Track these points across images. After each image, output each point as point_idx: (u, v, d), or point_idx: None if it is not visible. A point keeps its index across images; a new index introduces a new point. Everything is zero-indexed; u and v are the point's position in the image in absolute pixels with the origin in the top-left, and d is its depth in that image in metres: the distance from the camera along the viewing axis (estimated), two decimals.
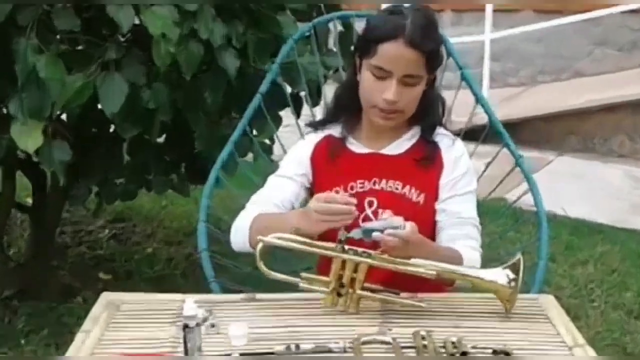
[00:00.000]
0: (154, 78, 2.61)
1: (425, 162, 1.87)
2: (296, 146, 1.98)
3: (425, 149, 1.89)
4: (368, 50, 1.78)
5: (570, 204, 4.41)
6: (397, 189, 1.85)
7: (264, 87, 2.34)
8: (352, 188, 1.85)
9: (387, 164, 1.88)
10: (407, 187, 1.85)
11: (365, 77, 1.81)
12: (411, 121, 1.89)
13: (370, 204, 1.85)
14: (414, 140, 1.90)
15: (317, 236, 1.64)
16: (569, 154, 5.58)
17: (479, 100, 2.30)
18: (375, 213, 1.82)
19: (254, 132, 2.61)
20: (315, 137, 1.95)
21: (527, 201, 2.26)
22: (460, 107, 2.30)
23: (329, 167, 1.90)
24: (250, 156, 2.84)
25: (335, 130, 1.94)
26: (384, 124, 1.83)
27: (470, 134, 2.31)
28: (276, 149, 2.74)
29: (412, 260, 1.61)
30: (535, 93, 6.21)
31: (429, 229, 1.85)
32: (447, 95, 2.02)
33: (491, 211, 3.51)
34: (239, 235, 1.84)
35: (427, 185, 1.86)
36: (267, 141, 2.92)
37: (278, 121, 2.75)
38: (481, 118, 2.35)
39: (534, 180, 2.20)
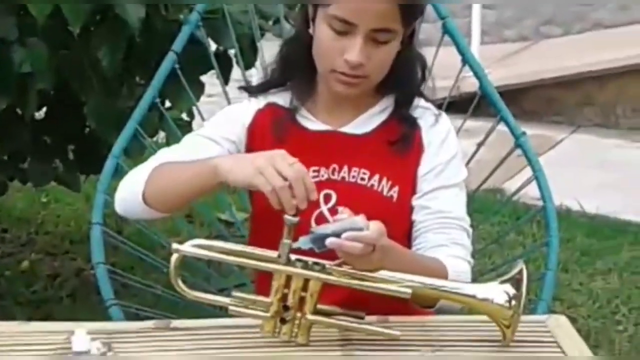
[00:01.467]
0: (29, 32, 2.58)
1: (401, 144, 1.88)
2: (231, 107, 1.98)
3: (400, 127, 1.90)
4: None
5: (588, 196, 4.48)
6: (363, 179, 1.86)
7: (179, 43, 2.33)
8: None
9: (351, 146, 1.89)
10: (377, 177, 1.86)
11: (322, 32, 1.80)
12: (382, 90, 1.90)
13: (328, 198, 1.85)
14: (385, 116, 1.91)
15: (249, 242, 1.63)
16: (585, 130, 5.66)
17: (466, 60, 2.33)
18: (333, 211, 1.82)
19: (167, 103, 2.60)
20: (256, 103, 1.95)
21: (531, 193, 2.28)
22: (441, 70, 2.31)
23: (272, 146, 1.88)
24: (161, 136, 2.83)
25: (281, 98, 1.94)
26: (345, 92, 1.84)
27: (456, 105, 2.32)
28: (196, 126, 2.73)
29: (380, 274, 1.61)
30: (540, 51, 6.28)
31: (404, 232, 1.87)
32: (424, 53, 2.03)
33: (484, 207, 3.56)
34: (130, 186, 1.80)
35: (402, 175, 1.87)
36: (184, 116, 2.91)
37: (199, 89, 2.75)
38: (470, 84, 2.37)
39: (540, 165, 2.23)
